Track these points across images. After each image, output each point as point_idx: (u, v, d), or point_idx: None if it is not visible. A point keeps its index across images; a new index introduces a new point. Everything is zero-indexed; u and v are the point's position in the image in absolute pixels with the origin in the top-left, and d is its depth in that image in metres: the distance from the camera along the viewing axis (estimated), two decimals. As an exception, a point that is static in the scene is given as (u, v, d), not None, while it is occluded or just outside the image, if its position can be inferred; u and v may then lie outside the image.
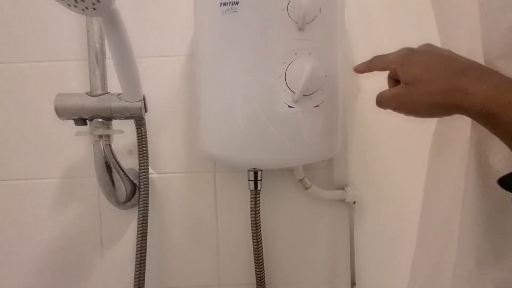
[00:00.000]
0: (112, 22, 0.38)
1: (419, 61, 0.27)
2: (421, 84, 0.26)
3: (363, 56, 0.52)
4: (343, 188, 0.58)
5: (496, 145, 0.26)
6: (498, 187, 0.24)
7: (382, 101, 0.31)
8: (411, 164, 0.44)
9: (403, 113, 0.29)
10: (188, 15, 0.55)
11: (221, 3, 0.44)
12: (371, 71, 0.33)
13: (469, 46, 0.28)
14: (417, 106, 0.27)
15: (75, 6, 0.33)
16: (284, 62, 0.43)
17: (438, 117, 0.28)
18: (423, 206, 0.35)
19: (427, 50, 0.28)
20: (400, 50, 0.29)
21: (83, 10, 0.34)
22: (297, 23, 0.43)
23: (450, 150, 0.31)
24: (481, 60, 0.27)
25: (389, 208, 0.54)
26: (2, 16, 0.56)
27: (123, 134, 0.54)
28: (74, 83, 0.56)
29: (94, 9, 0.34)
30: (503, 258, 0.28)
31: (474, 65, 0.25)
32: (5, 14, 0.56)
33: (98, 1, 0.33)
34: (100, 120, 0.48)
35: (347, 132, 0.57)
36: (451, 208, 0.30)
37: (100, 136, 0.49)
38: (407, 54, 0.28)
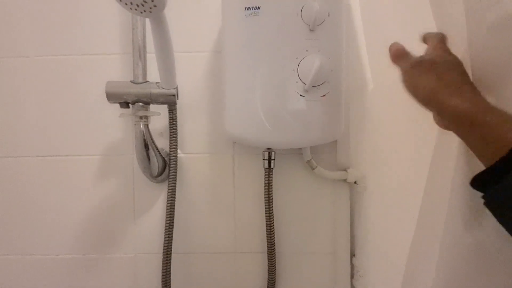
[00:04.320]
0: (160, 22, 0.47)
1: (442, 64, 0.29)
2: (431, 78, 0.29)
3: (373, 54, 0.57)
4: (345, 170, 0.65)
5: None
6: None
7: (399, 58, 0.32)
8: (406, 149, 0.51)
9: (405, 86, 0.32)
10: (214, 19, 0.64)
11: (245, 8, 0.52)
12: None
13: (458, 44, 0.31)
14: (416, 90, 0.30)
15: (136, 10, 0.42)
16: (297, 58, 0.51)
17: (427, 108, 0.31)
18: (425, 188, 0.39)
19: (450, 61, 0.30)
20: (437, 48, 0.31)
21: (141, 12, 0.43)
22: (309, 25, 0.51)
23: (449, 143, 0.34)
24: (467, 57, 0.30)
25: (387, 188, 0.61)
26: (57, 16, 0.65)
27: (155, 119, 0.64)
28: (117, 73, 0.65)
29: (150, 12, 0.43)
30: (483, 222, 0.31)
31: (462, 82, 0.28)
32: (61, 14, 0.65)
33: (155, 6, 0.42)
34: (141, 104, 0.57)
35: (350, 120, 0.64)
36: (446, 186, 0.34)
37: (141, 118, 0.58)
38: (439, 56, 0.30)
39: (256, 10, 0.52)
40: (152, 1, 0.41)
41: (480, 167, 0.27)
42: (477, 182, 0.26)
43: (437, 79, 0.28)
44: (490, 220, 0.30)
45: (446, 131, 0.33)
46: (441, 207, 0.35)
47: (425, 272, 0.37)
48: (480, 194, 0.27)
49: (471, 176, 0.29)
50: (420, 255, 0.40)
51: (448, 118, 0.28)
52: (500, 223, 0.25)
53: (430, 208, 0.39)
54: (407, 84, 0.31)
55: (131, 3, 0.41)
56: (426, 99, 0.29)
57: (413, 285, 0.41)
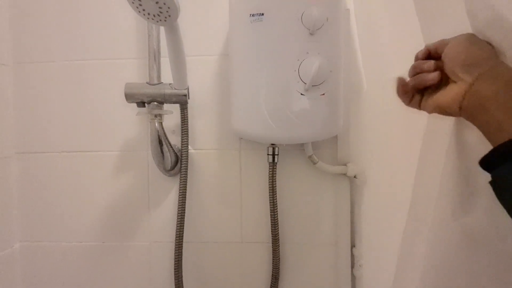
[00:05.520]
0: (173, 29, 0.52)
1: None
2: (483, 46, 0.29)
3: (367, 56, 0.60)
4: (345, 164, 0.69)
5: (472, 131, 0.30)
6: (478, 168, 0.26)
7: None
8: (404, 143, 0.53)
9: (449, 50, 0.30)
10: (221, 26, 0.69)
11: (250, 14, 0.57)
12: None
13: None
14: (460, 55, 0.29)
15: (152, 19, 0.48)
16: (298, 60, 0.56)
17: (461, 75, 0.29)
18: (415, 180, 0.41)
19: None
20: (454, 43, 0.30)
21: (157, 22, 0.48)
22: (309, 29, 0.55)
23: (438, 137, 0.37)
24: None
25: (385, 181, 0.64)
26: (80, 25, 0.72)
27: (168, 118, 0.69)
28: (133, 75, 0.71)
29: (165, 20, 0.48)
30: (470, 211, 0.33)
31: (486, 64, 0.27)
32: (83, 23, 0.72)
33: (169, 15, 0.47)
34: (155, 103, 0.63)
35: (350, 117, 0.68)
36: (435, 178, 0.36)
37: (155, 116, 0.63)
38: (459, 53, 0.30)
39: (260, 17, 0.56)
40: (167, 11, 0.46)
41: (470, 159, 0.29)
42: (486, 161, 0.26)
43: (490, 50, 0.29)
44: (477, 209, 0.32)
45: (436, 122, 0.34)
46: (430, 196, 0.37)
47: (415, 259, 0.39)
48: (469, 182, 0.29)
49: (460, 167, 0.31)
50: (411, 242, 0.42)
51: (494, 82, 0.27)
52: (502, 204, 0.25)
53: (420, 197, 0.42)
54: (454, 48, 0.30)
55: (148, 13, 0.47)
56: (474, 61, 0.28)
57: (405, 271, 0.44)
